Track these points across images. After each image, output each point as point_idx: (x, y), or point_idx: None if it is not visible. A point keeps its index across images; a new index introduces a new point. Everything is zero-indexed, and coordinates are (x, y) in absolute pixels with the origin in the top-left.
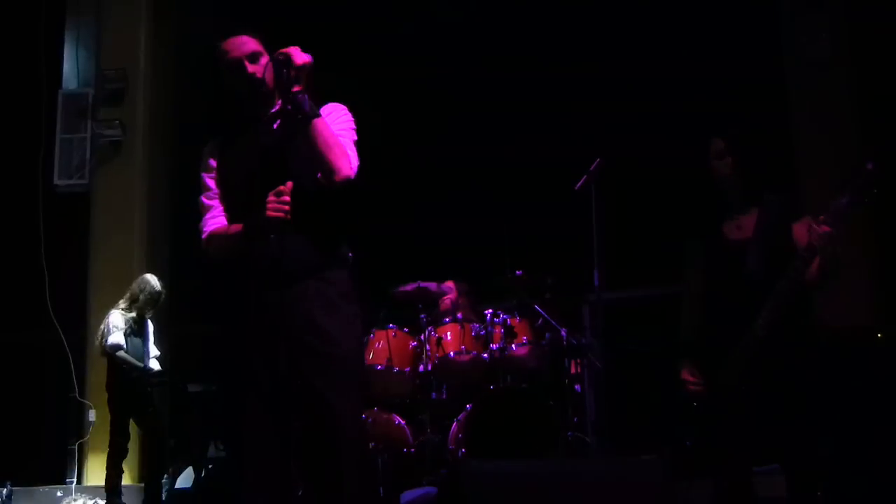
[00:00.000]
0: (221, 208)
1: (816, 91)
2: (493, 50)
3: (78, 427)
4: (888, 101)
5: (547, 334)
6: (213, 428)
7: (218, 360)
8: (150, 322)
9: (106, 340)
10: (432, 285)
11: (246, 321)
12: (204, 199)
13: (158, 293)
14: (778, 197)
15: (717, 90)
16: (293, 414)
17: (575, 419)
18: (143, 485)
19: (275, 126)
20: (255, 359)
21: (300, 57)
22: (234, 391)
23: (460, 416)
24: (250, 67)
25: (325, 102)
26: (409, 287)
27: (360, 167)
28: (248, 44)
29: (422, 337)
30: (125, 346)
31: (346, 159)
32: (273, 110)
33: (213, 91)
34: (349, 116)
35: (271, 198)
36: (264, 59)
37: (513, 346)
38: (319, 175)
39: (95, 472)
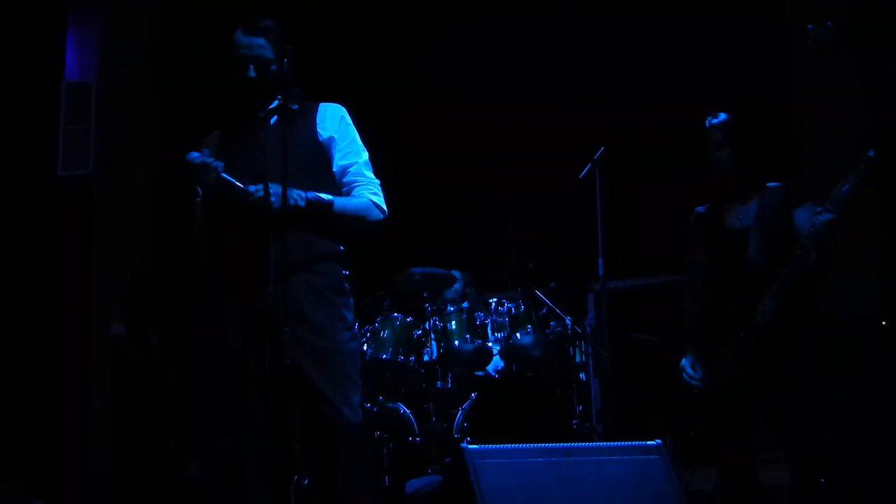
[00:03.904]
0: None
1: (822, 78)
2: (496, 35)
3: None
4: (894, 89)
5: (552, 323)
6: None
7: (210, 353)
8: None
9: None
10: (437, 274)
11: (237, 314)
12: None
13: None
14: (778, 184)
15: (722, 78)
16: (291, 405)
17: (580, 408)
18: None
19: (271, 122)
20: (248, 351)
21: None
22: (230, 384)
23: (465, 405)
24: (255, 72)
25: (321, 100)
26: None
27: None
28: (262, 48)
29: (426, 326)
30: None
31: (374, 212)
32: (270, 106)
33: (217, 77)
34: (352, 124)
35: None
36: (272, 67)
37: (517, 334)
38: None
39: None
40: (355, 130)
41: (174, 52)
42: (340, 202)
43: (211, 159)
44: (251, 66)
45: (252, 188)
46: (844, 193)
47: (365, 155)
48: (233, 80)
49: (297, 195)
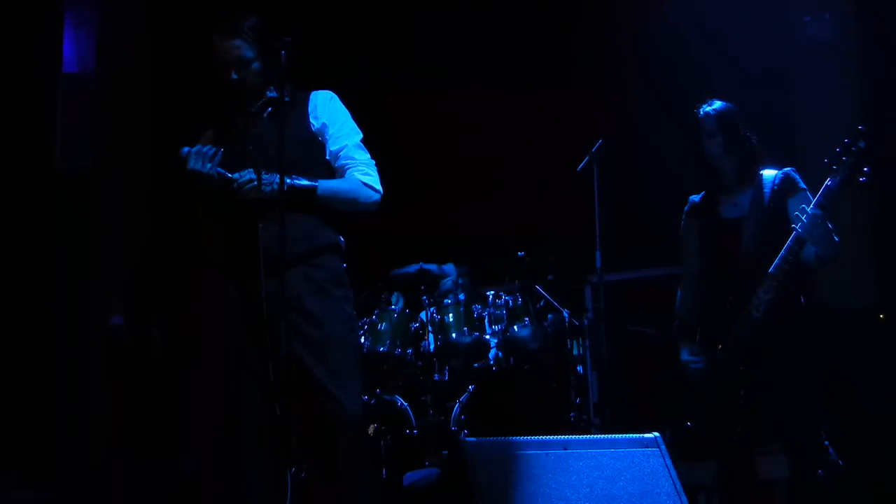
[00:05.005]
0: None
1: (819, 72)
2: (493, 25)
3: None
4: (890, 82)
5: (549, 316)
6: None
7: (209, 345)
8: None
9: None
10: (434, 267)
11: (236, 306)
12: None
13: None
14: (773, 174)
15: (717, 69)
16: (289, 396)
17: (577, 400)
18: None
19: (265, 115)
20: (246, 343)
21: None
22: (228, 375)
23: (463, 398)
24: (236, 74)
25: (313, 88)
26: (411, 269)
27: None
28: (239, 49)
29: (424, 318)
30: None
31: (365, 191)
32: (261, 101)
33: (211, 73)
34: (342, 108)
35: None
36: (254, 65)
37: (515, 327)
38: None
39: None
40: (347, 113)
41: (171, 44)
42: (325, 185)
43: (207, 147)
44: (232, 69)
45: (236, 175)
46: (834, 186)
47: (357, 136)
48: (220, 82)
49: (274, 180)
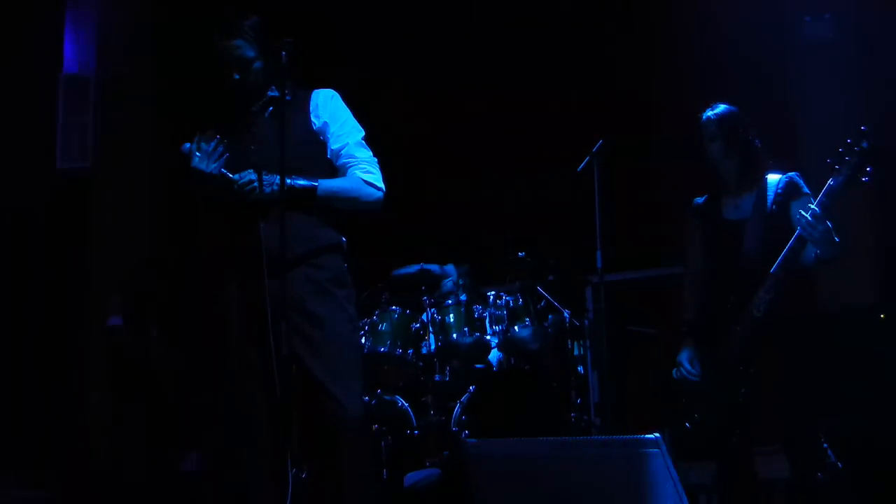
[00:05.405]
0: None
1: (819, 72)
2: (493, 23)
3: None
4: (890, 82)
5: (550, 316)
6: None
7: (210, 344)
8: None
9: None
10: (435, 267)
11: (238, 306)
12: None
13: None
14: (778, 178)
15: (717, 69)
16: (290, 396)
17: (578, 401)
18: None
19: (266, 115)
20: (248, 343)
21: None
22: (230, 375)
23: (463, 398)
24: (237, 74)
25: (314, 87)
26: (412, 269)
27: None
28: (240, 49)
29: (424, 319)
30: None
31: (367, 189)
32: (263, 100)
33: (208, 77)
34: (343, 106)
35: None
36: (256, 64)
37: (515, 327)
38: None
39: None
40: (348, 111)
41: (172, 44)
42: (326, 185)
43: (212, 145)
44: (233, 69)
45: (236, 176)
46: (837, 185)
47: (358, 134)
48: (221, 82)
49: (275, 181)
